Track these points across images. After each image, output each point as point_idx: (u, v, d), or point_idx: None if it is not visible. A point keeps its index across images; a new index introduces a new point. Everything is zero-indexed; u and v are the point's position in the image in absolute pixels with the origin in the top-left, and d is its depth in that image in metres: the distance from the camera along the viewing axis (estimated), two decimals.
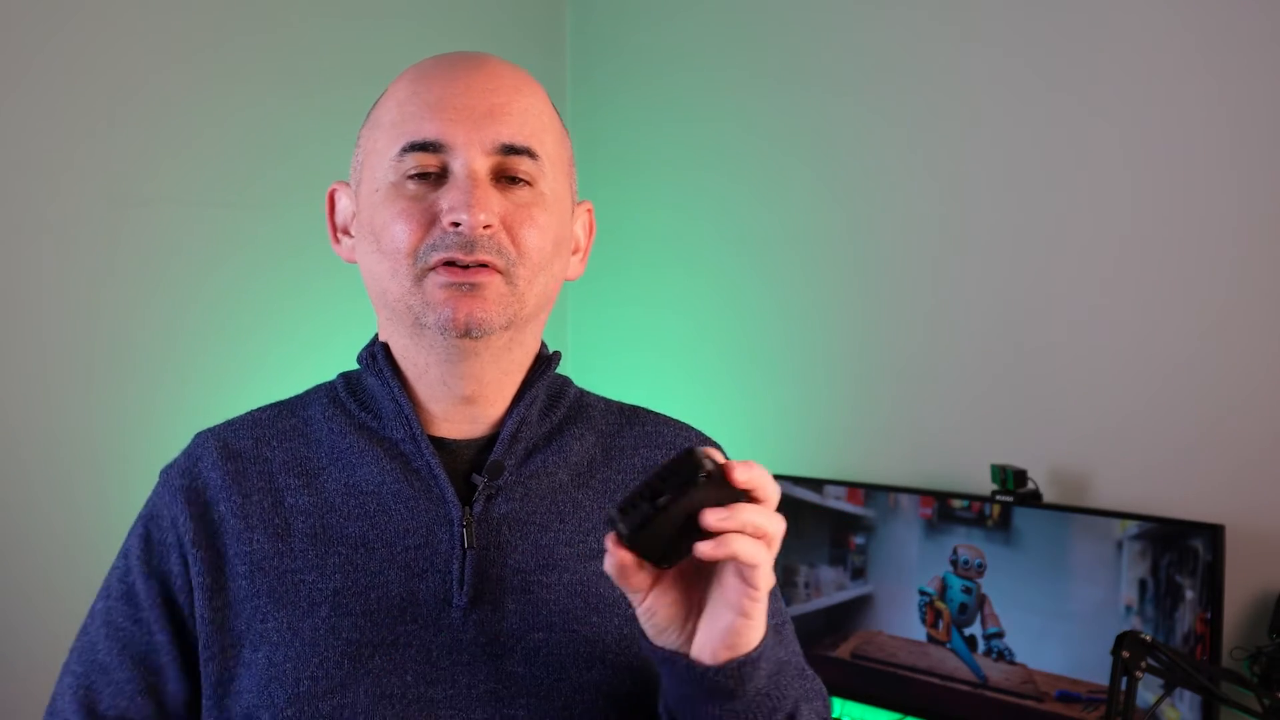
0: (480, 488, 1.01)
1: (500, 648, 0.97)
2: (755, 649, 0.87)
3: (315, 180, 1.99)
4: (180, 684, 1.02)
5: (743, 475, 0.83)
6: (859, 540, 2.21)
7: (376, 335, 1.08)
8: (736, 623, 0.85)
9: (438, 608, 0.98)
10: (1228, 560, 1.81)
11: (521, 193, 1.00)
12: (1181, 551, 1.82)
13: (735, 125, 2.63)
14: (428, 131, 0.98)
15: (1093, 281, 2.09)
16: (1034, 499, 2.03)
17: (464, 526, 0.99)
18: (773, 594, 1.12)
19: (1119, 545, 1.89)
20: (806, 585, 2.28)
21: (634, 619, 1.00)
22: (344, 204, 1.08)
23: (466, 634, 0.97)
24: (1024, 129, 2.18)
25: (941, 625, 2.09)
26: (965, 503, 2.07)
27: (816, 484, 2.28)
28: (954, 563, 2.08)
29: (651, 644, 0.89)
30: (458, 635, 0.97)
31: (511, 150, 0.99)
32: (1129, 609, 1.87)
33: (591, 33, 2.95)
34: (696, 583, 0.89)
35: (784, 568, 2.29)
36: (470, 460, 1.03)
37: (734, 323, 2.64)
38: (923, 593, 2.12)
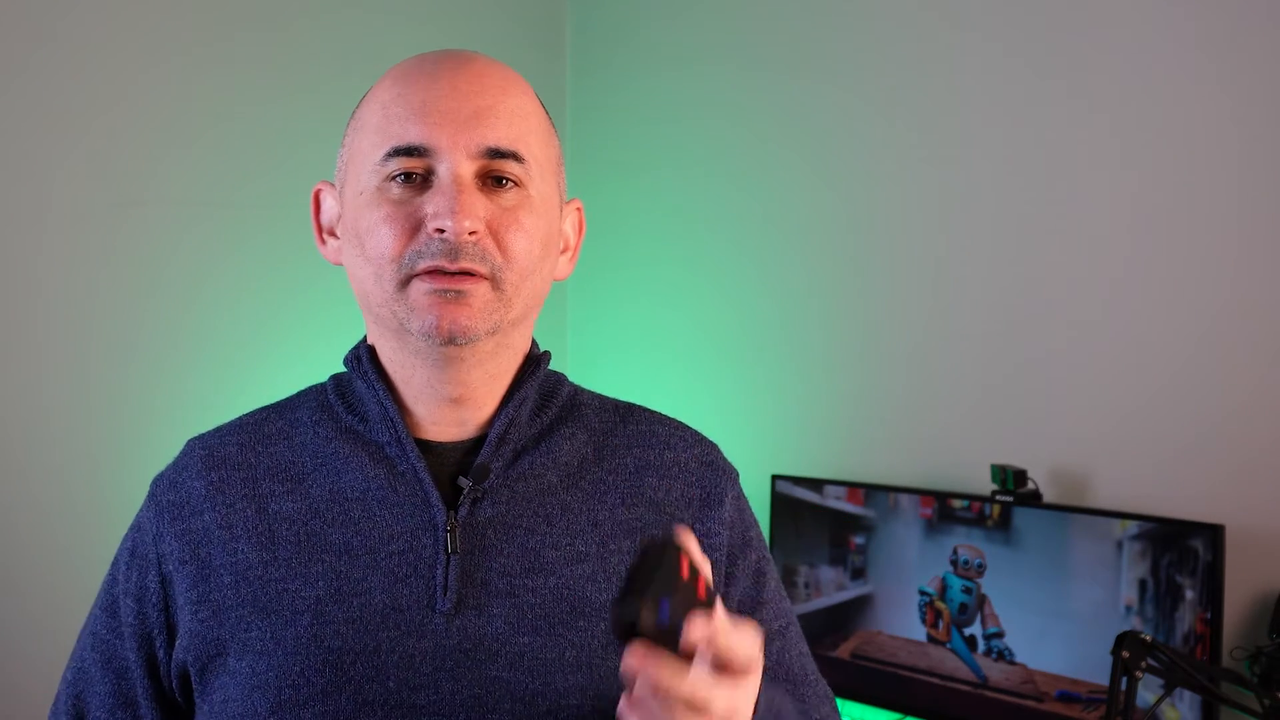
0: (466, 491, 1.00)
1: (485, 653, 0.96)
2: None
3: (315, 180, 2.00)
4: (149, 704, 1.03)
5: (697, 636, 0.75)
6: (859, 540, 2.21)
7: (365, 337, 1.07)
8: None
9: (421, 614, 0.97)
10: (1228, 560, 1.81)
11: (508, 196, 0.98)
12: (1181, 551, 1.82)
13: (735, 124, 2.63)
14: (412, 135, 0.97)
15: (1093, 282, 2.09)
16: (1034, 499, 2.03)
17: (448, 531, 0.98)
18: (777, 595, 1.12)
19: (1119, 545, 1.89)
20: (806, 585, 2.28)
21: None
22: (329, 204, 1.07)
23: (450, 640, 0.96)
24: (1025, 126, 2.17)
25: (941, 625, 2.09)
26: (965, 503, 2.07)
27: (816, 484, 2.28)
28: (954, 563, 2.08)
29: None
30: (441, 641, 0.96)
31: (497, 154, 0.97)
32: (1129, 609, 1.87)
33: (592, 32, 2.95)
34: None
35: (784, 568, 2.29)
36: (457, 463, 1.02)
37: (733, 322, 2.63)
38: (923, 593, 2.12)
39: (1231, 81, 1.93)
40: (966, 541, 2.06)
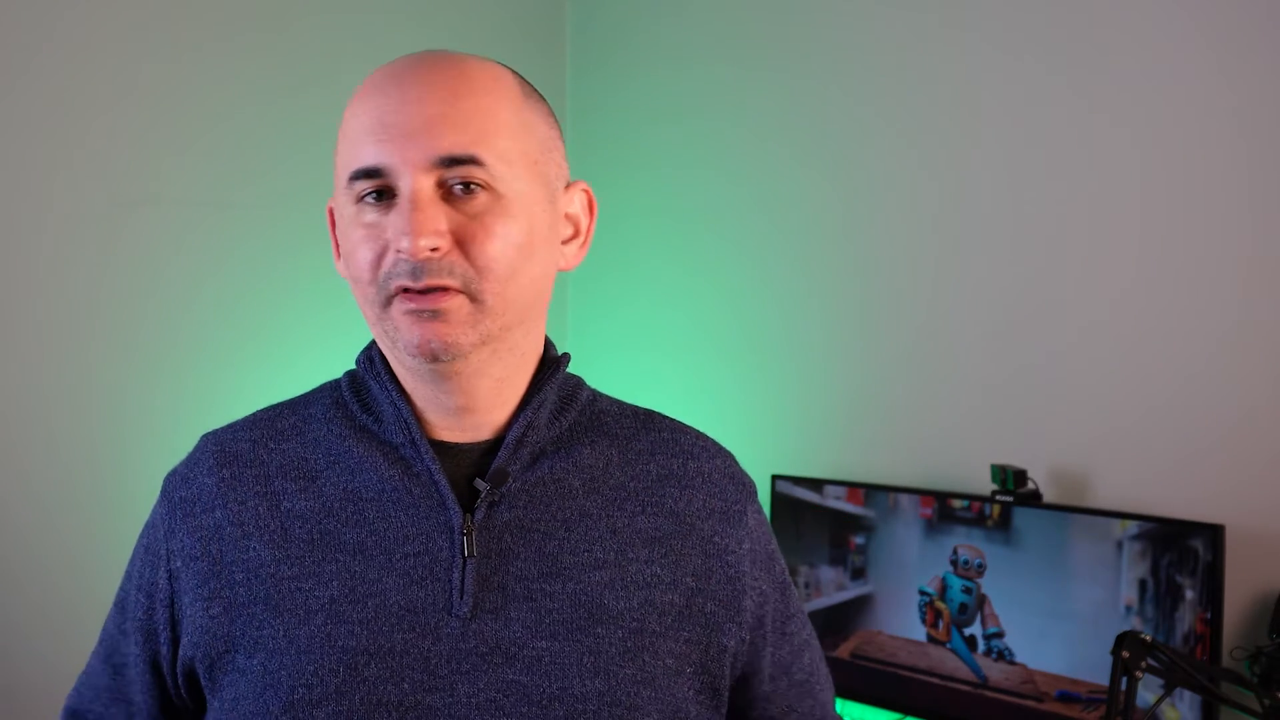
0: (483, 495, 0.99)
1: (501, 656, 0.96)
2: None
3: (315, 180, 2.00)
4: (145, 698, 1.05)
5: None
6: (859, 540, 2.21)
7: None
8: None
9: (437, 616, 0.97)
10: (1228, 560, 1.81)
11: (475, 202, 0.94)
12: (1181, 551, 1.82)
13: (735, 123, 2.63)
14: (365, 157, 0.94)
15: (1093, 282, 2.09)
16: (1034, 499, 2.03)
17: (464, 534, 0.98)
18: (800, 605, 1.14)
19: (1119, 545, 1.89)
20: (806, 585, 2.28)
21: (638, 631, 0.99)
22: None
23: (467, 643, 0.96)
24: (1027, 125, 2.17)
25: (941, 625, 2.09)
26: (965, 503, 2.07)
27: (816, 484, 2.28)
28: (954, 563, 2.08)
29: None
30: (458, 644, 0.96)
31: (454, 161, 0.93)
32: (1129, 609, 1.87)
33: (591, 31, 2.95)
34: None
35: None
36: (474, 464, 1.01)
37: (733, 322, 2.63)
38: (923, 593, 2.12)
39: (1239, 82, 1.93)
40: (966, 541, 2.06)
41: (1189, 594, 1.81)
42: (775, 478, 2.35)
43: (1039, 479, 2.09)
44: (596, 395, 1.11)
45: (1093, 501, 2.06)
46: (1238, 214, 1.93)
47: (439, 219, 0.93)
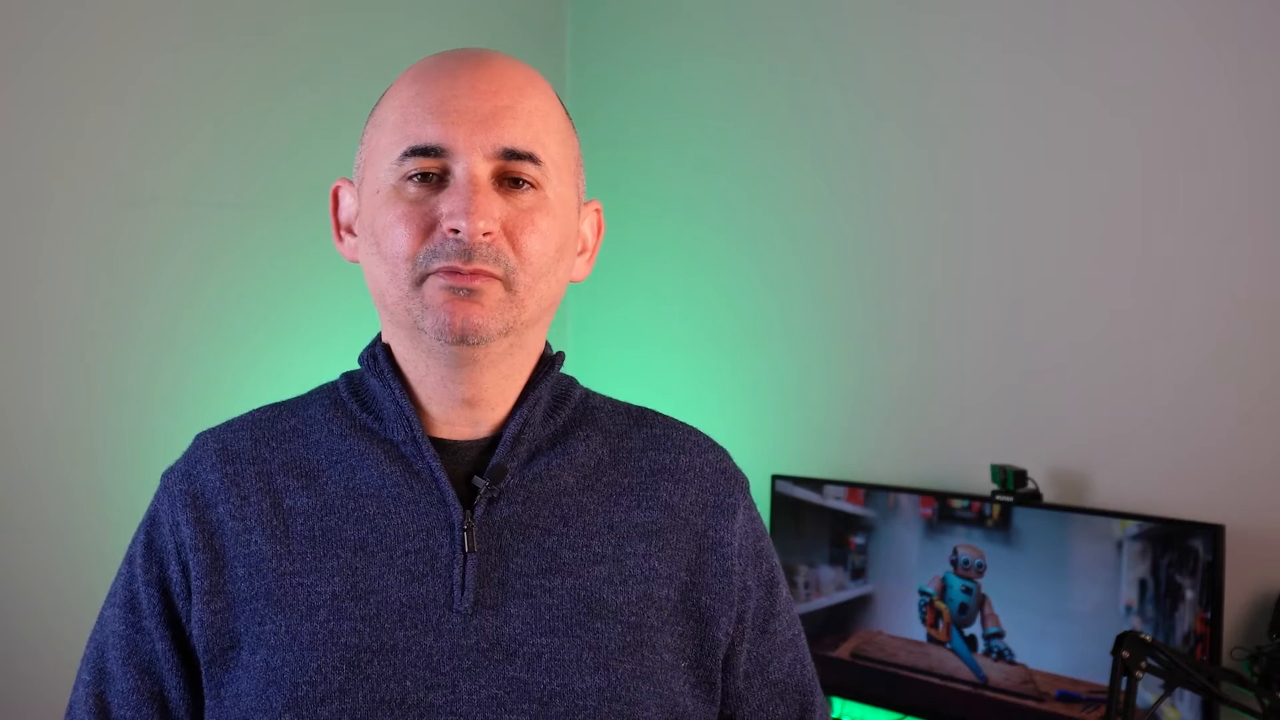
0: (482, 491, 1.00)
1: (502, 653, 0.97)
2: None
3: (315, 180, 2.00)
4: (181, 692, 1.02)
5: None
6: (859, 540, 2.21)
7: (379, 335, 1.07)
8: None
9: (438, 612, 0.97)
10: (1228, 560, 1.81)
11: (524, 197, 0.98)
12: (1181, 551, 1.82)
13: (736, 122, 2.63)
14: (429, 135, 0.96)
15: (1094, 283, 2.09)
16: (1034, 499, 2.03)
17: (464, 530, 0.99)
18: (788, 604, 1.13)
19: (1119, 545, 1.89)
20: (806, 585, 2.28)
21: (637, 625, 1.00)
22: (347, 202, 1.06)
23: (468, 639, 0.97)
24: (1028, 126, 2.17)
25: (941, 625, 2.09)
26: (965, 503, 2.07)
27: (816, 484, 2.28)
28: (954, 563, 2.08)
29: None
30: (459, 640, 0.97)
31: (514, 155, 0.97)
32: (1129, 609, 1.87)
33: (592, 29, 2.95)
34: None
35: (784, 568, 2.29)
36: (472, 462, 1.02)
37: (734, 321, 2.63)
38: (923, 593, 2.12)
39: (1241, 86, 1.93)
40: (966, 541, 2.06)
41: (1189, 594, 1.81)
42: (775, 478, 2.35)
43: (1039, 479, 2.09)
44: (589, 393, 1.12)
45: (1093, 501, 2.06)
46: (1238, 214, 1.93)
47: (497, 205, 0.96)
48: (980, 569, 2.05)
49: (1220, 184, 1.94)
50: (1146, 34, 2.02)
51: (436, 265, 0.95)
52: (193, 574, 1.01)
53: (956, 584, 2.07)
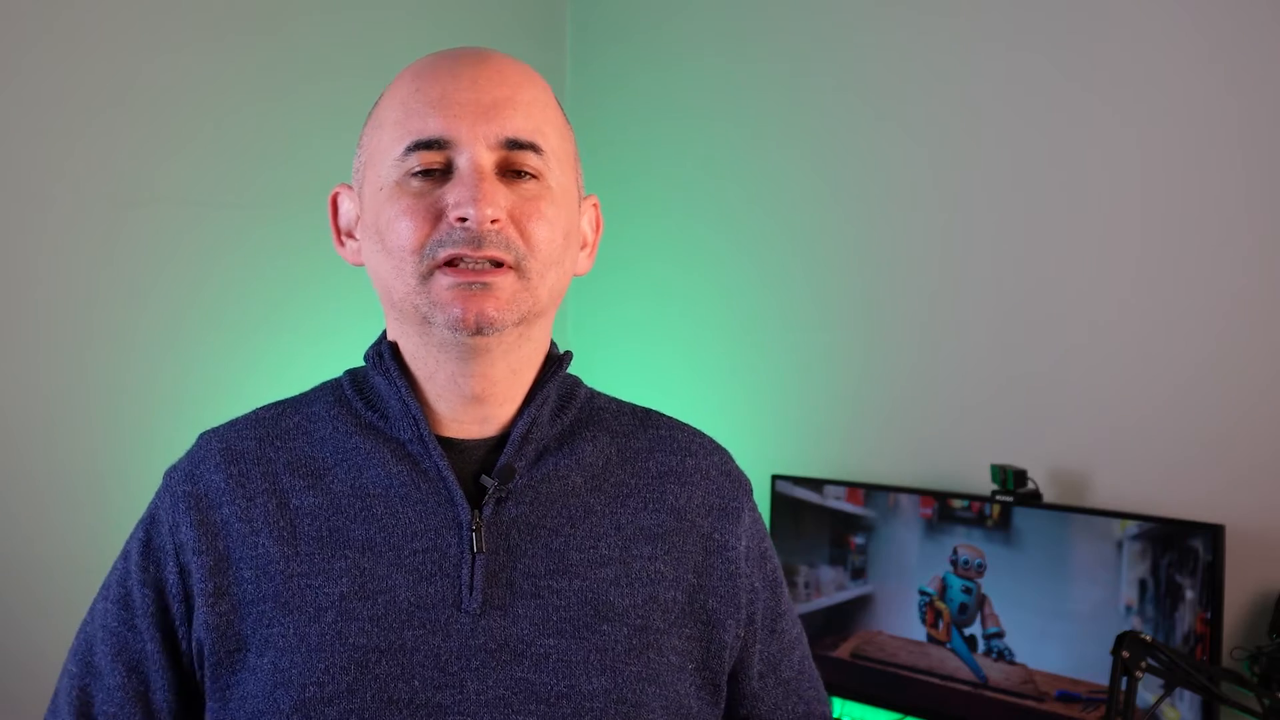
0: (491, 491, 1.00)
1: (510, 654, 0.97)
2: None
3: (315, 180, 2.00)
4: (166, 694, 1.01)
5: None
6: (859, 540, 2.21)
7: (384, 333, 1.06)
8: None
9: (447, 612, 0.97)
10: (1228, 560, 1.81)
11: (528, 186, 0.98)
12: (1181, 551, 1.82)
13: (736, 121, 2.63)
14: (432, 129, 0.97)
15: (1094, 283, 2.09)
16: (1034, 499, 2.03)
17: (473, 530, 0.98)
18: (790, 603, 1.14)
19: (1119, 545, 1.89)
20: (806, 585, 2.28)
21: (643, 628, 1.00)
22: (346, 207, 1.06)
23: (476, 639, 0.96)
24: (1030, 126, 2.18)
25: (941, 625, 2.09)
26: (965, 503, 2.07)
27: (816, 484, 2.28)
28: (954, 563, 2.08)
29: None
30: (467, 640, 0.96)
31: (517, 145, 0.98)
32: (1129, 609, 1.87)
33: (592, 29, 2.95)
34: None
35: (784, 568, 2.29)
36: (480, 461, 1.02)
37: (734, 321, 2.63)
38: (923, 593, 2.12)
39: (1242, 87, 1.93)
40: (966, 541, 2.06)
41: (1189, 594, 1.81)
42: (775, 478, 2.35)
43: (1039, 479, 2.09)
44: (594, 393, 1.12)
45: (1093, 501, 2.06)
46: (1237, 214, 1.93)
47: (502, 193, 0.96)
48: (980, 569, 2.05)
49: (1220, 184, 1.94)
50: (1147, 34, 2.02)
51: (444, 253, 0.95)
52: (194, 576, 1.00)
53: (956, 584, 2.07)
